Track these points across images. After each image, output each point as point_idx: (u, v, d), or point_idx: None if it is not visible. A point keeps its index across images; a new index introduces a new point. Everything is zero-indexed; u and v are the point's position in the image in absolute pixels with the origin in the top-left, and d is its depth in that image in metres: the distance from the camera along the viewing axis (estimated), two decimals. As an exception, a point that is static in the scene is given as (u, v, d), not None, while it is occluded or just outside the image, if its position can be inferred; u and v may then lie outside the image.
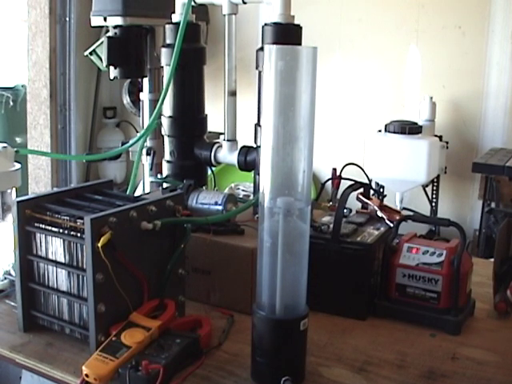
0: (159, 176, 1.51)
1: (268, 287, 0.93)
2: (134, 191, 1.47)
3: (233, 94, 1.47)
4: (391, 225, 1.25)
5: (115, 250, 0.97)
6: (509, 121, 3.05)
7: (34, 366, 1.01)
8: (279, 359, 0.94)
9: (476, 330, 1.15)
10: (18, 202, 1.05)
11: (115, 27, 1.63)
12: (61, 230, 1.02)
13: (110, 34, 1.64)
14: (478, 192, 3.01)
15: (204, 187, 1.48)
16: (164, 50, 1.44)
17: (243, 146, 1.46)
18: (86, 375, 0.91)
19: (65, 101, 3.77)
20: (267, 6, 1.34)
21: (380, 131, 2.85)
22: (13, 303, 1.18)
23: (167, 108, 1.47)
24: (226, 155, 1.47)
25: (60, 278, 1.05)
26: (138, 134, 1.46)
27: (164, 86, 1.40)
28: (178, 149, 1.48)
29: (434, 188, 3.10)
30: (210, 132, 1.55)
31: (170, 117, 1.47)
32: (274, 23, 1.32)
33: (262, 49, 1.34)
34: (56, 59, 3.68)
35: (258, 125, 1.41)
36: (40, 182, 3.73)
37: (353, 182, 1.29)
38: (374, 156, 2.76)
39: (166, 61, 1.43)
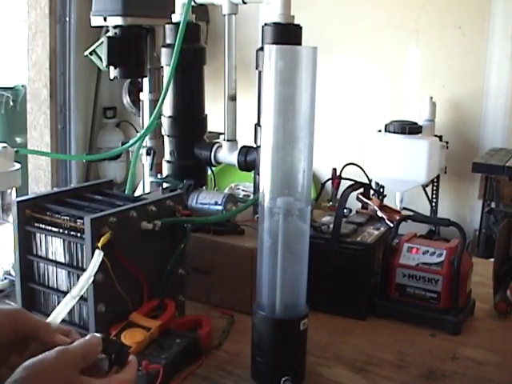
0: (159, 176, 1.51)
1: (268, 287, 0.93)
2: (134, 191, 1.47)
3: (233, 98, 1.46)
4: (391, 225, 1.25)
5: (115, 250, 0.97)
6: (509, 121, 3.05)
7: (33, 366, 1.01)
8: (279, 359, 0.94)
9: (476, 330, 1.15)
10: (17, 202, 1.05)
11: (115, 27, 1.63)
12: (61, 230, 1.02)
13: (109, 33, 1.64)
14: (478, 192, 3.01)
15: (204, 187, 1.48)
16: (164, 50, 1.44)
17: (243, 146, 1.46)
18: (86, 375, 0.91)
19: (65, 101, 3.77)
20: (267, 6, 1.34)
21: (380, 131, 2.85)
22: (13, 303, 1.18)
23: (167, 108, 1.47)
24: (226, 155, 1.47)
25: (60, 278, 1.05)
26: (138, 134, 1.46)
27: (164, 86, 1.39)
28: (178, 149, 1.48)
29: (434, 188, 3.10)
30: (210, 132, 1.54)
31: (169, 117, 1.47)
32: (274, 23, 1.32)
33: (262, 49, 1.34)
34: (56, 59, 3.68)
35: (258, 125, 1.41)
36: (40, 182, 3.73)
37: (353, 182, 1.29)
38: (374, 156, 2.76)
39: (166, 61, 1.43)
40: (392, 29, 3.23)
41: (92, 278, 0.77)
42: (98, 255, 0.77)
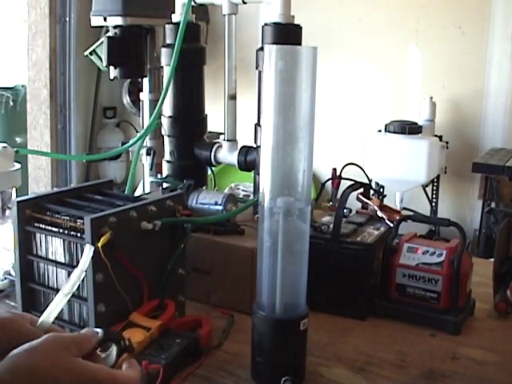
0: (159, 176, 1.51)
1: (268, 287, 0.93)
2: (134, 191, 1.47)
3: (233, 97, 1.46)
4: (391, 225, 1.25)
5: (115, 250, 0.97)
6: (509, 121, 3.05)
7: (33, 366, 1.01)
8: (279, 359, 0.94)
9: (476, 330, 1.15)
10: (17, 202, 1.05)
11: (115, 27, 1.63)
12: (61, 230, 1.02)
13: (109, 33, 1.64)
14: (478, 192, 3.01)
15: (204, 187, 1.48)
16: (164, 50, 1.44)
17: (243, 146, 1.46)
18: (86, 375, 0.91)
19: (65, 101, 3.77)
20: (267, 6, 1.34)
21: (380, 131, 2.85)
22: (13, 303, 1.18)
23: (167, 108, 1.47)
24: (226, 155, 1.47)
25: (60, 278, 1.05)
26: (138, 134, 1.46)
27: (164, 86, 1.39)
28: (178, 149, 1.48)
29: (434, 188, 3.10)
30: (210, 132, 1.55)
31: (169, 117, 1.47)
32: (274, 23, 1.32)
33: (262, 49, 1.34)
34: (56, 59, 3.68)
35: (258, 125, 1.41)
36: (40, 182, 3.74)
37: (353, 182, 1.29)
38: (374, 156, 2.76)
39: (166, 61, 1.43)
40: (392, 29, 3.23)
41: (83, 274, 0.76)
42: (89, 250, 0.76)
